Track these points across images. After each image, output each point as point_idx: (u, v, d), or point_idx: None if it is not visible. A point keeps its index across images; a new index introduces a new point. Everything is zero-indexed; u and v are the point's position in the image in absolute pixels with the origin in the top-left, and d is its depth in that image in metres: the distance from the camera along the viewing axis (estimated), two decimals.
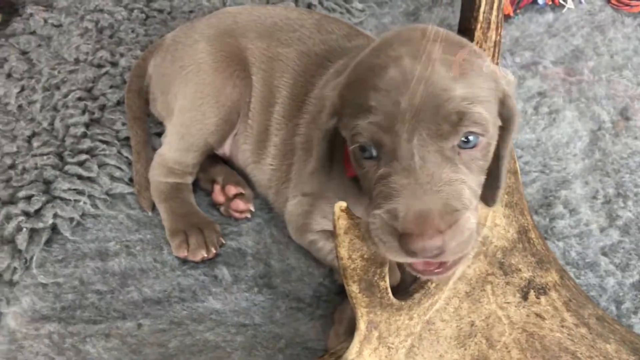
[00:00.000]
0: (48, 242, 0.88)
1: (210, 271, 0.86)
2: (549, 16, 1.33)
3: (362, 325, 0.66)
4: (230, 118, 0.90)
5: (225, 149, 0.95)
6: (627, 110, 1.12)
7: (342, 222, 0.63)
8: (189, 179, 0.94)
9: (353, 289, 0.65)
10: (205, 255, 0.86)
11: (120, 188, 0.95)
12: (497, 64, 1.04)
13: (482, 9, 1.03)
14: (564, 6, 1.33)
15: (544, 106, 1.12)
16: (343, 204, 0.61)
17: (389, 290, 0.67)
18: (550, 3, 1.32)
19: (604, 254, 0.89)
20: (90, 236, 0.90)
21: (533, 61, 1.22)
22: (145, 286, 0.84)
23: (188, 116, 0.89)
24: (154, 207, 0.93)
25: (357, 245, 0.64)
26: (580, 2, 1.35)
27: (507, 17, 1.31)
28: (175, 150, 0.91)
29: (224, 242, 0.89)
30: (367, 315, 0.67)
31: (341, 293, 0.84)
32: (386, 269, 0.66)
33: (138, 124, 0.97)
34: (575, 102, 1.13)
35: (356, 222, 0.62)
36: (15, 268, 0.85)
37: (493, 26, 1.03)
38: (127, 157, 0.98)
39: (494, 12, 1.03)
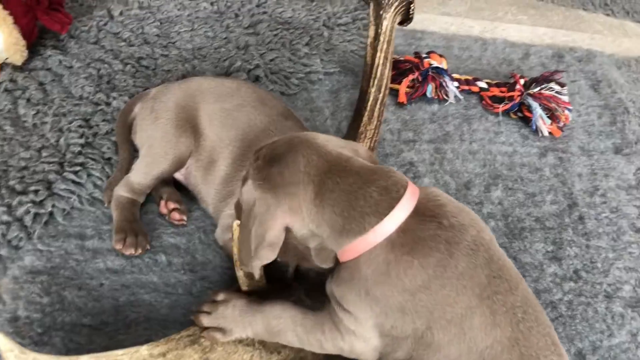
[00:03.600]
0: (46, 223, 1.29)
1: (153, 256, 1.28)
2: (435, 107, 1.79)
3: None
4: (182, 158, 1.32)
5: (180, 174, 1.37)
6: (469, 183, 1.58)
7: (237, 232, 1.06)
8: (142, 198, 1.34)
9: (240, 274, 1.08)
10: (134, 252, 1.24)
11: (99, 193, 1.36)
12: (377, 140, 1.50)
13: (369, 102, 1.50)
14: (447, 100, 1.80)
15: (411, 172, 1.57)
16: (238, 221, 1.05)
17: (263, 277, 1.09)
18: (436, 97, 1.79)
19: None
20: (75, 222, 1.31)
21: (413, 139, 1.68)
22: (108, 260, 1.25)
23: (154, 152, 1.31)
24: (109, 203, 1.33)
25: None
26: (460, 99, 1.82)
27: (401, 105, 1.77)
28: (140, 174, 1.32)
29: (149, 247, 1.27)
30: (248, 286, 1.09)
31: None
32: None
33: (125, 146, 1.39)
34: (434, 172, 1.59)
35: None
36: (21, 237, 1.25)
37: (376, 114, 1.50)
38: (107, 172, 1.39)
39: (377, 106, 1.50)
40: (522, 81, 1.79)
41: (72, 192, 1.33)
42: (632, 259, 1.42)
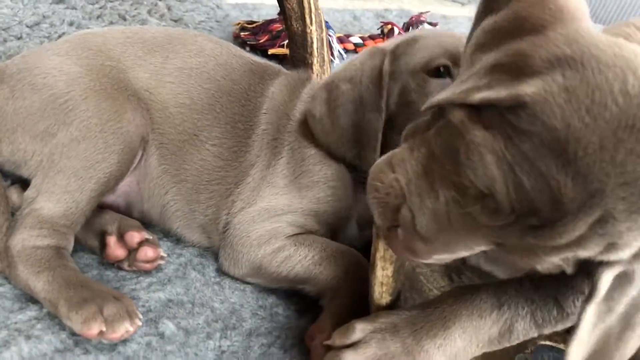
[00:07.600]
0: None
1: (151, 330, 0.68)
2: None
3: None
4: (133, 147, 0.75)
5: (115, 193, 0.78)
6: None
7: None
8: (71, 241, 0.72)
9: (388, 272, 0.63)
10: (130, 328, 0.64)
11: None
12: None
13: (314, 45, 1.14)
14: (332, 61, 1.51)
15: None
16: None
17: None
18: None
19: None
20: None
21: None
22: None
23: (84, 148, 0.71)
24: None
25: None
26: (344, 58, 1.55)
27: None
28: (61, 199, 0.70)
29: (141, 317, 0.67)
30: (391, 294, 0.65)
31: (301, 317, 0.76)
32: None
33: None
34: None
35: None
36: None
37: (326, 58, 1.15)
38: None
39: (324, 47, 1.15)
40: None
41: None
42: None
